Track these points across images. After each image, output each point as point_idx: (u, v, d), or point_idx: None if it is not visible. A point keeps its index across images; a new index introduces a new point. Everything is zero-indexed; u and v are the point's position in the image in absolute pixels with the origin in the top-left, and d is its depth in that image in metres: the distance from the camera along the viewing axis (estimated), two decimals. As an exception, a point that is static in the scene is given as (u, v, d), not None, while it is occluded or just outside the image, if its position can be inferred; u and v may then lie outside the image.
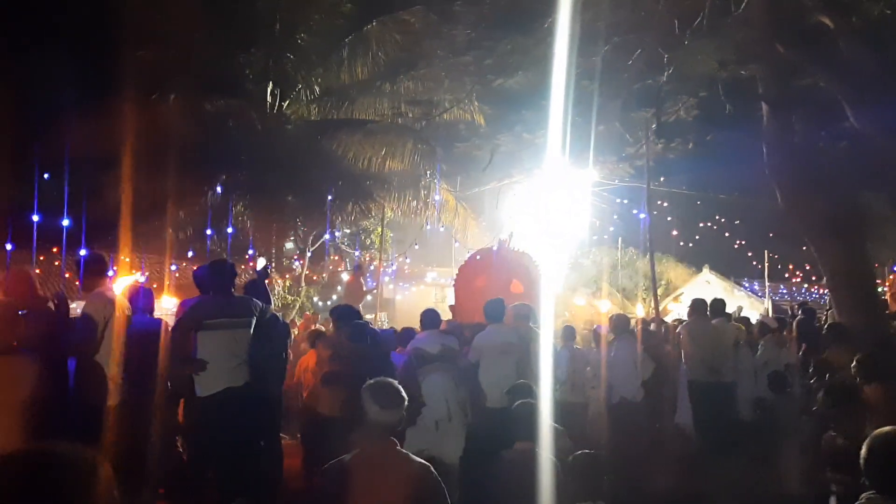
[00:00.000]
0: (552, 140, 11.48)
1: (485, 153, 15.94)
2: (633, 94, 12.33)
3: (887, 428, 3.00)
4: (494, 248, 10.95)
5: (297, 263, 16.77)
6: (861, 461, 2.94)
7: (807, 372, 8.52)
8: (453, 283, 11.50)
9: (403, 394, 3.26)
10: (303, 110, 16.29)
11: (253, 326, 5.45)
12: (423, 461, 3.23)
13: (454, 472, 5.41)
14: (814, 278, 22.84)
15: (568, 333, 9.75)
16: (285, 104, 15.78)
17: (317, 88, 16.15)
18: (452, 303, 11.09)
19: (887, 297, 13.44)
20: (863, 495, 2.90)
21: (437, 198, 15.17)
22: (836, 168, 10.77)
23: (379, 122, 15.92)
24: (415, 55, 14.82)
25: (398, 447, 3.21)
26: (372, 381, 3.27)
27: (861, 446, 2.99)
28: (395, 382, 3.33)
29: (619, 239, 23.76)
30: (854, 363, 6.49)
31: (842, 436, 4.48)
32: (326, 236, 16.37)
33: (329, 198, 14.63)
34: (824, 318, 11.86)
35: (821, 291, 22.02)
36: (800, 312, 11.00)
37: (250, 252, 13.98)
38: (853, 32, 8.28)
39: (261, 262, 8.21)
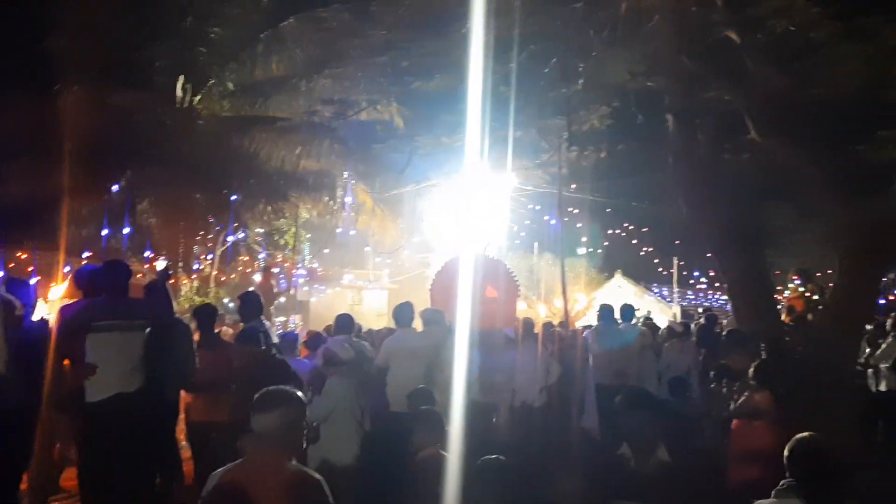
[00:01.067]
0: (470, 144, 11.52)
1: (403, 155, 15.87)
2: (548, 101, 12.50)
3: (806, 434, 3.57)
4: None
5: (205, 264, 16.30)
6: (785, 460, 3.53)
7: (707, 377, 8.79)
8: (430, 289, 11.34)
9: (287, 398, 3.08)
10: (215, 106, 15.83)
11: (150, 330, 5.24)
12: (309, 472, 3.08)
13: (350, 477, 5.34)
14: (717, 285, 23.68)
15: (478, 338, 9.76)
16: (196, 99, 15.31)
17: (230, 84, 15.75)
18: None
19: (784, 307, 14.01)
20: (783, 482, 3.48)
21: (348, 199, 15.00)
22: (738, 179, 11.19)
23: (294, 121, 15.64)
24: (331, 54, 14.63)
25: (284, 456, 3.01)
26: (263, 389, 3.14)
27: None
28: (282, 388, 3.17)
29: (536, 244, 24.14)
30: (751, 370, 6.73)
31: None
32: (240, 234, 15.98)
33: (239, 196, 14.28)
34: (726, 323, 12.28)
35: (725, 297, 22.87)
36: (702, 319, 11.37)
37: (148, 253, 13.51)
38: (758, 48, 8.57)
39: (161, 264, 7.92)
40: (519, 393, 8.82)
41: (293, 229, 17.71)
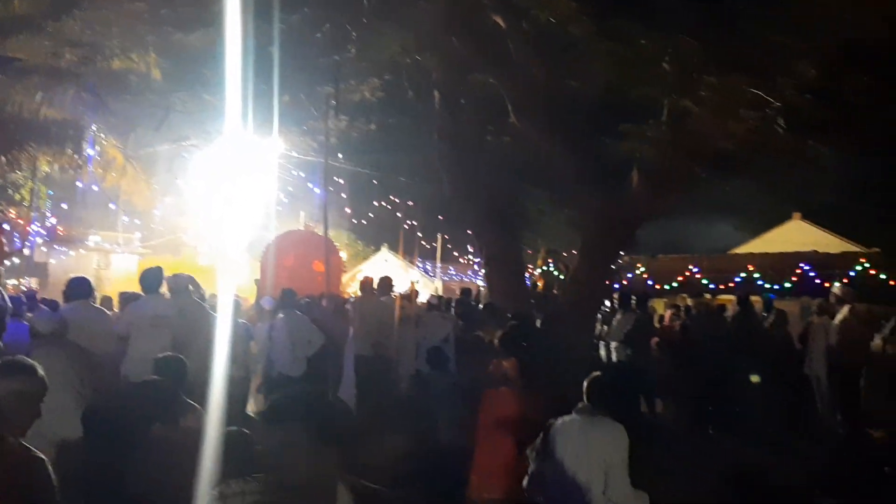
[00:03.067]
0: (232, 105, 10.96)
1: (160, 111, 14.73)
2: (318, 67, 12.20)
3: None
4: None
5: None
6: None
7: (463, 347, 9.13)
8: (261, 259, 12.66)
9: (19, 368, 2.88)
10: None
11: None
12: (32, 450, 2.78)
13: (70, 452, 4.86)
14: (477, 260, 24.80)
15: (235, 306, 9.37)
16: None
17: (-42, 18, 13.61)
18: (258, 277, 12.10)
19: (534, 282, 14.97)
20: (579, 404, 4.18)
21: (91, 152, 13.68)
22: (499, 162, 11.70)
23: (34, 62, 13.89)
24: (83, -7, 13.14)
25: (6, 431, 2.72)
26: None
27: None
28: (18, 357, 2.95)
29: (301, 213, 23.71)
30: (497, 340, 7.07)
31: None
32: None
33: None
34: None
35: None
36: (459, 292, 11.81)
37: None
38: (522, 36, 8.92)
39: None
40: (277, 363, 8.61)
41: (30, 184, 15.85)
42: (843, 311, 9.62)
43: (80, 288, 6.53)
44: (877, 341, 9.08)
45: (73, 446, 4.65)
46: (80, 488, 3.02)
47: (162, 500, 3.64)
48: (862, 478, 6.17)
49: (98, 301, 9.52)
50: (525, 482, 4.43)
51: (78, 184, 16.07)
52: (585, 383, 4.27)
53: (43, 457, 2.81)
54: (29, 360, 2.99)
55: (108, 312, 7.10)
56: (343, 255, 19.03)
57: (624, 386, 9.58)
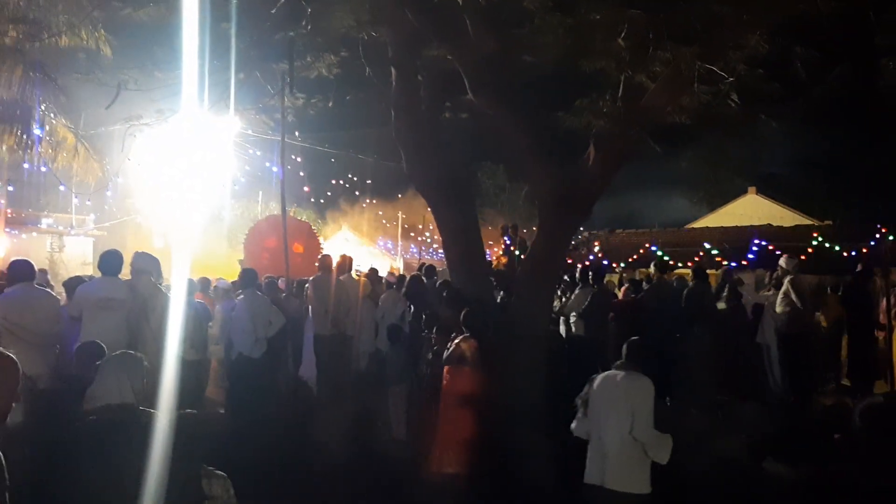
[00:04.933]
0: (186, 83, 10.76)
1: (111, 89, 14.35)
2: (273, 44, 11.99)
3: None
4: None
5: None
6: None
7: (418, 325, 9.16)
8: (244, 242, 14.19)
9: None
10: None
11: None
12: None
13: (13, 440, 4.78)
14: (436, 237, 24.81)
15: (191, 288, 9.26)
16: None
17: None
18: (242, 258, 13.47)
19: (494, 258, 15.03)
20: (618, 361, 5.07)
21: (38, 133, 13.33)
22: (456, 138, 11.66)
23: (-24, 40, 13.45)
24: (24, -33, 12.71)
25: None
26: None
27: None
28: None
29: (260, 193, 23.46)
30: (460, 319, 7.11)
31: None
32: None
33: None
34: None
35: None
36: (420, 270, 11.80)
37: None
38: (477, 10, 8.85)
39: None
40: (237, 344, 8.56)
41: (-24, 165, 15.43)
42: (786, 283, 9.87)
43: (21, 270, 6.41)
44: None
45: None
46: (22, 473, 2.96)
47: (109, 483, 3.59)
48: (808, 443, 6.36)
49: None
50: (573, 425, 5.15)
51: (25, 166, 15.67)
52: (625, 346, 5.08)
53: None
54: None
55: (53, 294, 6.96)
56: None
57: (583, 359, 9.74)
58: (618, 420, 4.77)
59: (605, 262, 16.18)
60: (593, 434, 4.95)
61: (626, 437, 4.73)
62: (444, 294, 8.90)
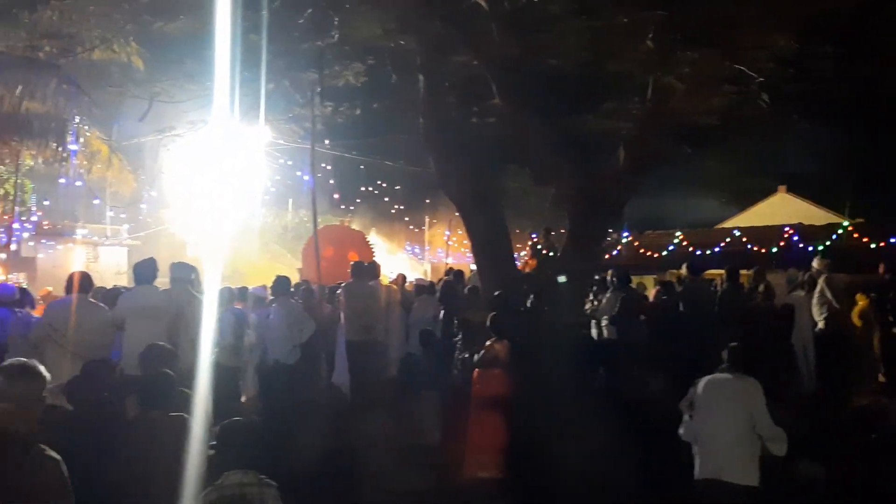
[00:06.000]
0: (217, 94, 10.93)
1: (143, 101, 14.63)
2: (301, 53, 12.17)
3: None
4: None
5: None
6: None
7: (450, 330, 9.21)
8: (302, 251, 14.86)
9: (34, 371, 3.02)
10: (-85, 35, 13.48)
11: None
12: (48, 450, 2.88)
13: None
14: (465, 242, 24.87)
15: (227, 296, 9.40)
16: None
17: (-68, 12, 13.44)
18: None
19: (524, 262, 15.04)
20: (722, 365, 5.25)
21: (74, 147, 13.61)
22: (484, 142, 11.72)
23: (13, 55, 13.75)
24: (58, -17, 12.99)
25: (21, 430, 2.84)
26: None
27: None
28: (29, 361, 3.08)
29: (290, 201, 23.69)
30: (488, 322, 7.16)
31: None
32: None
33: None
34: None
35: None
36: (448, 275, 11.87)
37: None
38: (503, 16, 8.93)
39: None
40: (272, 351, 8.66)
41: (13, 178, 15.77)
42: (820, 283, 9.77)
43: (76, 282, 6.60)
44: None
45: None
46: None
47: (143, 487, 3.69)
48: (846, 445, 6.30)
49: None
50: (681, 430, 5.31)
51: (61, 180, 15.99)
52: (727, 351, 5.27)
53: (58, 457, 2.89)
54: (31, 361, 3.09)
55: (103, 306, 7.13)
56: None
57: (615, 362, 9.72)
58: (733, 419, 5.01)
59: (637, 262, 16.11)
60: (703, 434, 5.16)
61: (741, 435, 4.97)
62: (473, 298, 8.95)
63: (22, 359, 3.10)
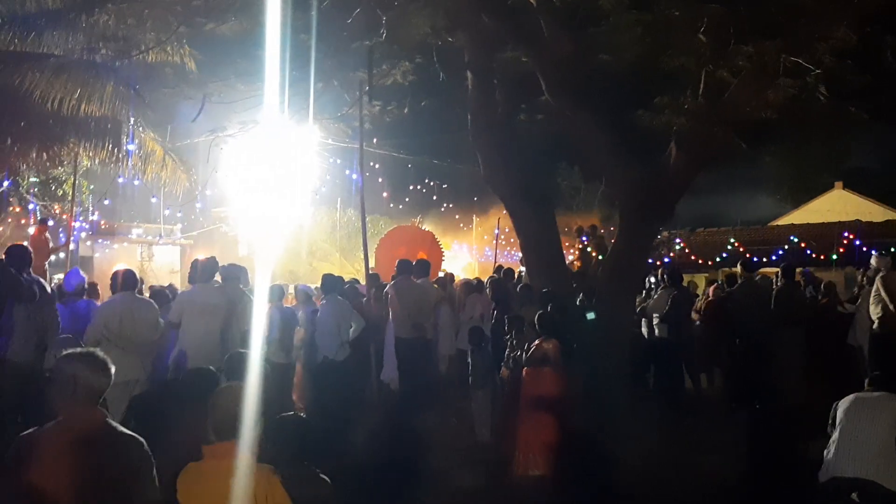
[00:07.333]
0: (268, 94, 11.05)
1: (196, 102, 14.90)
2: (350, 53, 12.25)
3: None
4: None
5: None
6: None
7: (501, 328, 9.16)
8: (376, 251, 15.07)
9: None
10: (-23, 39, 13.92)
11: None
12: (133, 434, 2.96)
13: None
14: (513, 240, 24.75)
15: (277, 293, 9.51)
16: (-46, 29, 13.38)
17: (-5, 15, 13.89)
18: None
19: (574, 260, 14.89)
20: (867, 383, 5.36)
21: (130, 147, 13.91)
22: (533, 140, 11.65)
23: (71, 59, 14.12)
24: (114, -13, 13.31)
25: (107, 417, 2.95)
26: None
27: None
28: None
29: (339, 200, 23.87)
30: (535, 321, 7.10)
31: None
32: (5, 183, 14.35)
33: (8, 141, 12.77)
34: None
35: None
36: (498, 273, 11.82)
37: None
38: (553, 11, 8.84)
39: None
40: (322, 348, 8.73)
41: (72, 179, 16.19)
42: (877, 282, 9.44)
43: (124, 280, 6.76)
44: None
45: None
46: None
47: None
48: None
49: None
50: (827, 453, 5.25)
51: (119, 179, 16.38)
52: (872, 374, 5.47)
53: (141, 438, 2.96)
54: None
55: (153, 303, 7.29)
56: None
57: (666, 361, 9.58)
58: (885, 437, 5.04)
59: (689, 260, 15.85)
60: (854, 453, 5.15)
61: (889, 450, 5.00)
62: (524, 296, 8.89)
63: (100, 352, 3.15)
